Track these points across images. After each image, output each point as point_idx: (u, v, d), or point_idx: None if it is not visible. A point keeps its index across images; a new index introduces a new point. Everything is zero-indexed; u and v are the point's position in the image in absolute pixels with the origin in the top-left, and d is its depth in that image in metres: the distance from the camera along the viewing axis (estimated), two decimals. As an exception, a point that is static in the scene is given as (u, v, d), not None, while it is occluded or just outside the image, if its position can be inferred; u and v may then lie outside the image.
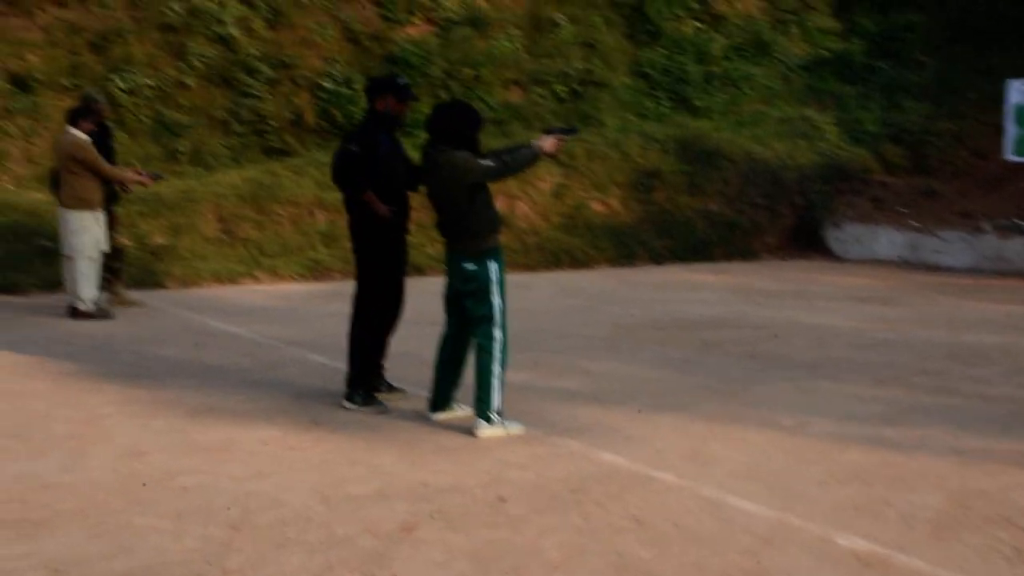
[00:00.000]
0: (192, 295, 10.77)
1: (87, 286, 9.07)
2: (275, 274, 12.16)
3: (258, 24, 16.09)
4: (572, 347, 8.11)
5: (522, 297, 10.89)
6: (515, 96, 16.72)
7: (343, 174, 6.04)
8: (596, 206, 14.96)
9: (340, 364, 6.35)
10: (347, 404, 5.92)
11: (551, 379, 6.91)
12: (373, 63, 16.27)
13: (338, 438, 5.32)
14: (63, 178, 9.25)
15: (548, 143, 5.60)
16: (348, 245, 13.38)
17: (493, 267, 5.55)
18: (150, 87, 14.81)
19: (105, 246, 9.31)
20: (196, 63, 15.27)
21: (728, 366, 7.46)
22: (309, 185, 13.33)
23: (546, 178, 14.76)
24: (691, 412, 6.04)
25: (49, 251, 11.00)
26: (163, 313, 9.45)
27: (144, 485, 4.48)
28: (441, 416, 5.78)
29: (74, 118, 9.33)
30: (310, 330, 8.71)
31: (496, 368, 5.48)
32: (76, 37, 15.22)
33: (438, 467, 4.89)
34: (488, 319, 5.52)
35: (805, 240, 15.65)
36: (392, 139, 6.10)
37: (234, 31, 15.69)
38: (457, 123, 5.50)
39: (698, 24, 18.61)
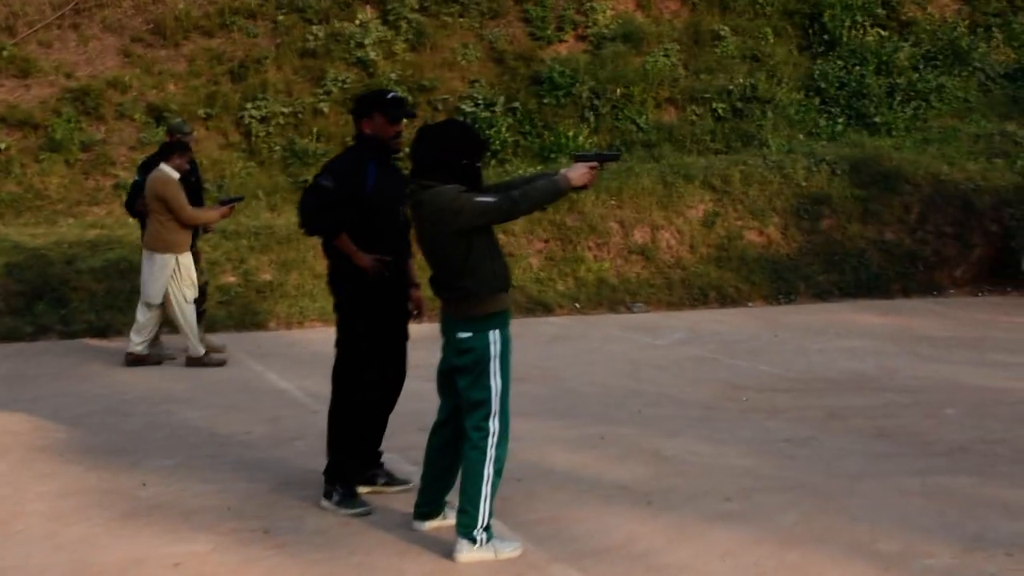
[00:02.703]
0: (286, 338, 10.08)
1: (137, 330, 8.53)
2: (388, 312, 11.36)
3: (399, 46, 15.48)
4: (658, 417, 6.84)
5: (638, 344, 9.70)
6: (669, 116, 15.42)
7: (309, 215, 4.95)
8: (752, 236, 13.46)
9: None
10: (323, 503, 4.87)
11: (605, 466, 5.68)
12: (517, 84, 15.38)
13: (279, 558, 4.22)
14: (148, 216, 8.70)
15: (577, 173, 4.33)
16: (470, 280, 12.69)
17: (494, 338, 4.29)
18: (284, 114, 14.40)
19: (192, 292, 8.66)
20: (333, 89, 14.78)
21: (844, 449, 6.03)
22: (432, 216, 12.50)
23: (695, 205, 13.41)
24: (762, 525, 4.72)
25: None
26: (230, 361, 8.69)
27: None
28: (428, 526, 4.60)
29: (166, 154, 8.67)
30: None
31: (487, 471, 4.25)
32: (217, 66, 15.05)
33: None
34: (483, 405, 4.29)
35: (1000, 273, 13.63)
36: (384, 170, 4.96)
37: (373, 54, 15.13)
38: (445, 149, 4.26)
39: (881, 31, 16.77)
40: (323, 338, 9.93)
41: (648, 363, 8.80)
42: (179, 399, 7.08)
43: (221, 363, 8.57)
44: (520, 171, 13.44)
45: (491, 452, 4.26)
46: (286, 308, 10.97)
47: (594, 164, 4.40)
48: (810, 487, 5.30)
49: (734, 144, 14.90)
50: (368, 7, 15.83)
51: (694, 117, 15.27)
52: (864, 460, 5.83)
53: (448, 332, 4.39)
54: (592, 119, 14.92)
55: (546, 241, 12.76)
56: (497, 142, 14.31)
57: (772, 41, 16.53)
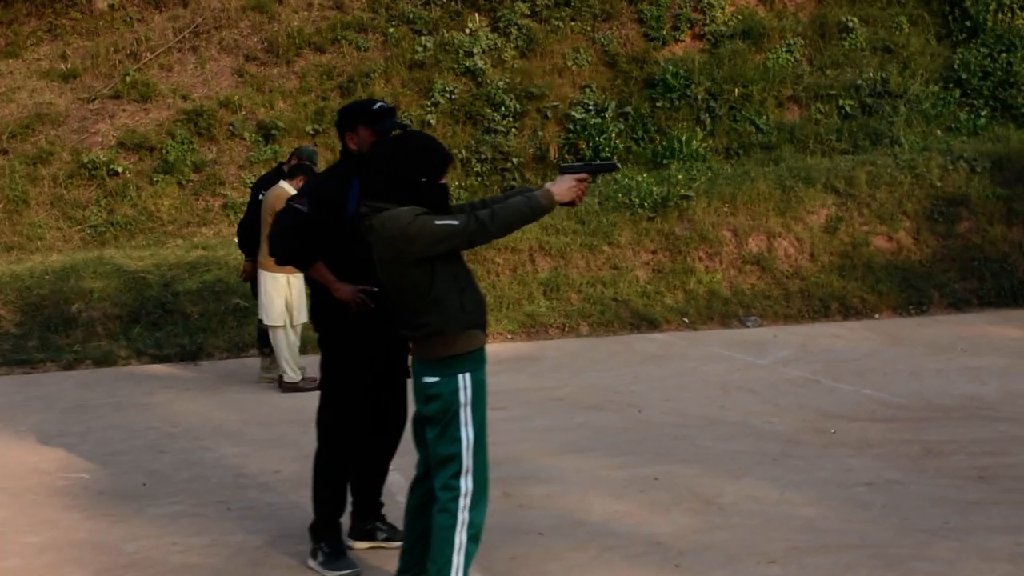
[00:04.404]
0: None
1: (280, 357, 8.31)
2: (484, 330, 10.95)
3: (509, 53, 15.13)
4: (729, 453, 6.20)
5: (737, 364, 9.02)
6: (791, 115, 14.54)
7: (279, 241, 4.52)
8: (880, 242, 12.49)
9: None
10: (309, 562, 4.46)
11: (646, 515, 5.10)
12: (629, 87, 14.81)
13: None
14: (265, 235, 8.43)
15: (563, 187, 3.78)
16: (570, 295, 12.19)
17: (464, 383, 3.73)
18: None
19: (302, 314, 8.39)
20: (440, 100, 14.54)
21: (931, 496, 5.29)
22: (532, 228, 12.04)
23: (816, 210, 12.54)
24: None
25: (242, 310, 10.56)
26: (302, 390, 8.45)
27: None
28: (410, 591, 4.10)
29: (291, 174, 8.41)
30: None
31: (459, 538, 3.70)
32: (328, 81, 15.03)
33: None
34: (452, 461, 3.73)
35: None
36: None
37: (482, 62, 14.81)
38: (400, 165, 3.69)
39: (1031, 14, 15.41)
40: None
41: (741, 386, 8.13)
42: (226, 432, 6.86)
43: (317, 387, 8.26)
44: (629, 178, 12.89)
45: (462, 516, 3.71)
46: (379, 327, 10.71)
47: (583, 176, 3.84)
48: (875, 546, 4.62)
49: (862, 143, 13.92)
50: (478, 15, 15.53)
51: (818, 116, 14.35)
52: (951, 510, 5.08)
53: (415, 376, 3.87)
54: (708, 121, 14.20)
55: (654, 252, 12.14)
56: (607, 148, 13.78)
57: (907, 31, 15.41)
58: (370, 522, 4.68)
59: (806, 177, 12.75)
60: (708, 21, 15.40)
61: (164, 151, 13.90)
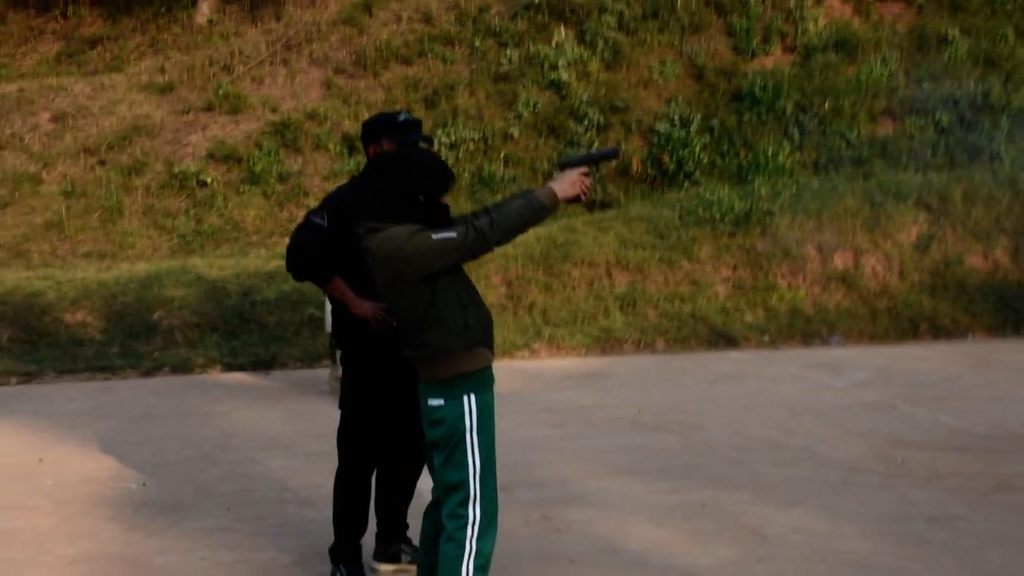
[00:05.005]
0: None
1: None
2: (558, 346, 10.82)
3: (594, 66, 15.02)
4: (786, 480, 5.97)
5: (811, 385, 8.74)
6: (884, 129, 14.09)
7: (295, 256, 4.44)
8: (974, 260, 12.00)
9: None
10: (328, 585, 4.44)
11: (687, 545, 4.92)
12: (716, 100, 14.55)
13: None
14: None
15: (565, 183, 3.57)
16: (647, 310, 11.97)
17: (470, 405, 3.58)
18: (473, 140, 14.25)
19: None
20: (523, 112, 14.50)
21: (995, 534, 4.99)
22: (611, 242, 11.90)
23: (907, 227, 12.11)
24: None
25: (317, 320, 10.65)
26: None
27: None
28: (428, 620, 3.97)
29: None
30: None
31: (466, 568, 3.53)
32: (412, 93, 15.13)
33: None
34: (459, 488, 3.59)
35: None
36: None
37: (566, 75, 14.74)
38: (397, 183, 3.55)
39: None
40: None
41: (811, 409, 7.86)
42: (281, 443, 6.88)
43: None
44: (712, 192, 12.64)
45: (470, 545, 3.56)
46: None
47: (584, 170, 3.64)
48: (923, 587, 4.38)
49: (959, 159, 13.40)
50: (564, 28, 15.47)
51: (913, 130, 13.87)
52: (1014, 551, 4.79)
53: (421, 399, 3.75)
54: (796, 135, 13.85)
55: (734, 268, 11.86)
56: (691, 162, 13.55)
57: (1012, 42, 14.81)
58: (395, 544, 4.60)
59: (897, 193, 12.33)
60: (800, 33, 15.06)
61: (251, 162, 14.16)
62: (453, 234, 3.50)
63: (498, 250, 12.86)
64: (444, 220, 3.63)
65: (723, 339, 10.96)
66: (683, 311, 11.27)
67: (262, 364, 10.14)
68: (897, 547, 4.86)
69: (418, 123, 4.45)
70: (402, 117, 4.42)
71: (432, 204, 3.62)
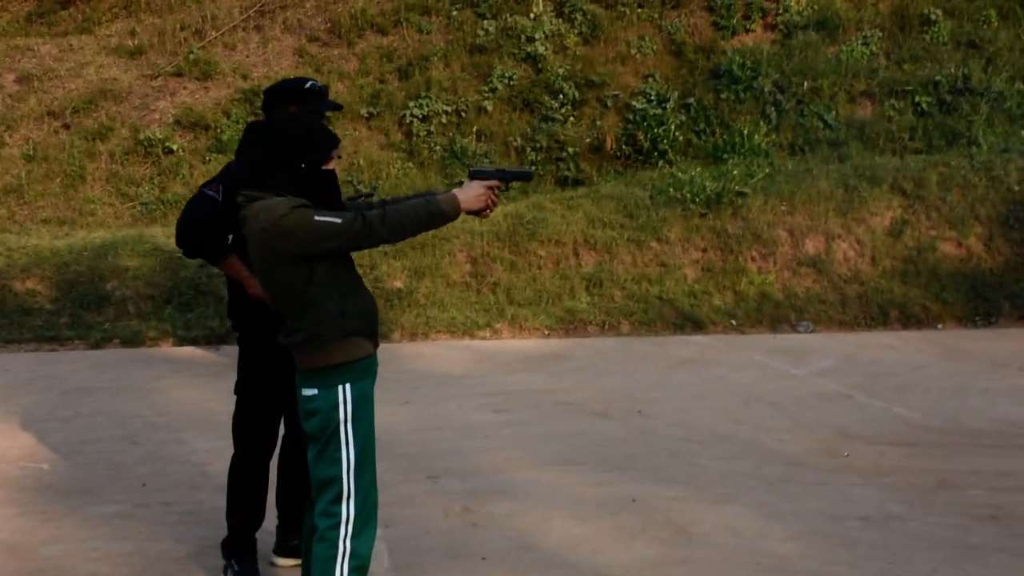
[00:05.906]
0: (404, 352, 9.54)
1: None
2: (520, 326, 10.59)
3: (571, 40, 14.72)
4: (724, 475, 5.78)
5: (771, 373, 8.54)
6: (862, 111, 13.84)
7: (185, 231, 4.13)
8: (948, 247, 11.79)
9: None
10: (219, 581, 4.23)
11: (607, 543, 4.71)
12: (694, 78, 14.28)
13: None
14: None
15: (471, 194, 3.44)
16: (614, 292, 11.75)
17: (344, 396, 3.35)
18: (447, 113, 13.98)
19: None
20: (498, 86, 14.21)
21: (929, 536, 4.80)
22: (579, 221, 11.66)
23: (881, 211, 11.88)
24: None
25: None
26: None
27: None
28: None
29: None
30: (433, 416, 7.11)
31: (340, 569, 3.33)
32: (387, 64, 14.83)
33: None
34: (332, 485, 3.37)
35: None
36: None
37: (543, 48, 14.44)
38: (276, 148, 3.33)
39: None
40: (445, 354, 9.40)
41: (765, 399, 7.67)
42: (211, 423, 6.64)
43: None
44: (685, 172, 12.41)
45: (344, 545, 3.34)
46: (412, 318, 10.47)
47: (494, 184, 3.48)
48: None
49: (937, 143, 13.17)
50: (543, 0, 15.15)
51: (892, 112, 13.62)
52: (945, 554, 4.60)
53: (297, 388, 3.50)
54: (773, 115, 13.60)
55: (704, 250, 11.64)
56: (666, 141, 13.30)
57: (995, 24, 14.55)
58: (295, 538, 4.37)
59: (872, 177, 12.10)
60: (781, 11, 14.77)
61: (219, 130, 13.88)
62: (338, 220, 3.28)
63: (463, 225, 12.64)
64: (329, 189, 3.42)
65: (690, 323, 10.76)
66: (650, 293, 11.06)
67: (216, 338, 9.92)
68: (824, 549, 4.68)
69: (325, 90, 4.22)
70: (309, 84, 4.19)
71: (315, 172, 3.39)
